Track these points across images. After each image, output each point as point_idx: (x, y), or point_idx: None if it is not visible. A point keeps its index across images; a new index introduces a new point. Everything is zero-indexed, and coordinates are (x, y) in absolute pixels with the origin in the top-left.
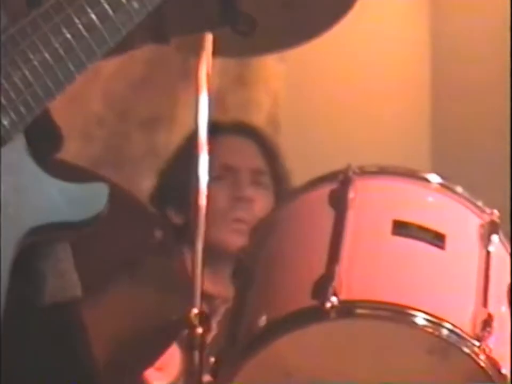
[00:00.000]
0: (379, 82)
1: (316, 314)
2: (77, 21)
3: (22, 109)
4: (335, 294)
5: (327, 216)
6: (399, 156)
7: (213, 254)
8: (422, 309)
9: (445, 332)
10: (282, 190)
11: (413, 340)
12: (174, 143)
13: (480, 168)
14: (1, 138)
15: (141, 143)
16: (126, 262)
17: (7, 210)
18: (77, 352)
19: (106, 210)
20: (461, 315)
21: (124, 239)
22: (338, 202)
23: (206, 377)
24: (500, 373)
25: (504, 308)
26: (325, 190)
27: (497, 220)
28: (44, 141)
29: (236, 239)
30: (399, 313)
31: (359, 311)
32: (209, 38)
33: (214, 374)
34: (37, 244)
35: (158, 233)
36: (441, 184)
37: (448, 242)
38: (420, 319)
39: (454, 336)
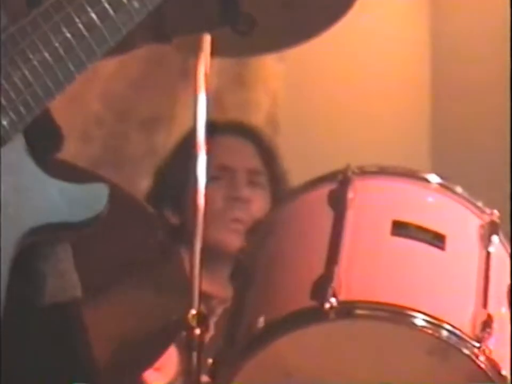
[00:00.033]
0: (379, 82)
1: (315, 315)
2: (77, 20)
3: (22, 109)
4: (334, 295)
5: (326, 216)
6: (398, 156)
7: (210, 254)
8: (422, 310)
9: (444, 333)
10: (279, 190)
11: (412, 341)
12: (173, 143)
13: (480, 168)
14: (0, 138)
15: (140, 143)
16: (125, 263)
17: (7, 210)
18: (76, 353)
19: (106, 211)
20: (460, 316)
21: (123, 239)
22: (338, 203)
23: (204, 378)
24: (499, 374)
25: (504, 309)
26: (324, 190)
27: (497, 221)
28: (44, 140)
29: (233, 239)
30: (398, 314)
31: (358, 311)
32: (207, 38)
33: (212, 374)
34: (37, 244)
35: (159, 234)
36: (441, 185)
37: (448, 242)
38: (420, 320)
39: (453, 337)
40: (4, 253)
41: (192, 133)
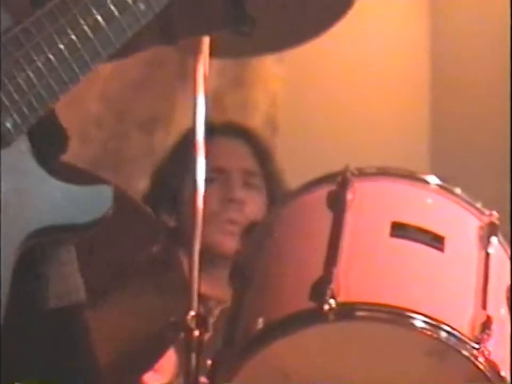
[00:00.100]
0: (378, 82)
1: (313, 316)
2: (82, 22)
3: (26, 110)
4: (333, 296)
5: (325, 218)
6: (397, 157)
7: (205, 255)
8: (421, 311)
9: (443, 334)
10: (275, 191)
11: (411, 342)
12: (171, 144)
13: (479, 169)
14: (4, 140)
15: (139, 143)
16: (127, 265)
17: (10, 212)
18: (80, 356)
19: (110, 213)
20: (459, 317)
21: (124, 242)
22: (336, 204)
23: (203, 379)
24: (498, 375)
25: (504, 310)
26: (323, 192)
27: (497, 222)
28: (49, 142)
29: (227, 241)
30: (397, 316)
31: (357, 313)
32: (206, 39)
33: (211, 376)
34: (40, 246)
35: (160, 236)
36: (440, 186)
37: (447, 244)
38: (419, 321)
39: (452, 339)
40: (7, 254)
41: (190, 134)
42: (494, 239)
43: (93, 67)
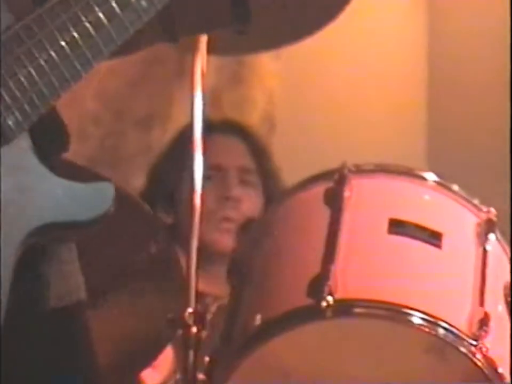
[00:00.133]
0: (375, 81)
1: (311, 313)
2: (84, 19)
3: (27, 107)
4: (330, 293)
5: (322, 215)
6: (395, 155)
7: (202, 253)
8: (419, 308)
9: (441, 331)
10: (272, 188)
11: (409, 339)
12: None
13: (478, 168)
14: (5, 137)
15: (136, 141)
16: (126, 263)
17: (11, 209)
18: (80, 355)
19: (111, 210)
20: (457, 314)
21: (124, 240)
22: (334, 201)
23: (201, 376)
24: (496, 372)
25: (501, 307)
26: (320, 189)
27: (494, 218)
28: (50, 140)
29: (224, 238)
30: (395, 312)
31: (355, 310)
32: (204, 36)
33: (208, 373)
34: (41, 244)
35: (159, 234)
36: (437, 183)
37: (445, 240)
38: (416, 318)
39: (450, 336)
40: (9, 253)
41: (187, 131)
42: (491, 236)
43: (95, 64)
